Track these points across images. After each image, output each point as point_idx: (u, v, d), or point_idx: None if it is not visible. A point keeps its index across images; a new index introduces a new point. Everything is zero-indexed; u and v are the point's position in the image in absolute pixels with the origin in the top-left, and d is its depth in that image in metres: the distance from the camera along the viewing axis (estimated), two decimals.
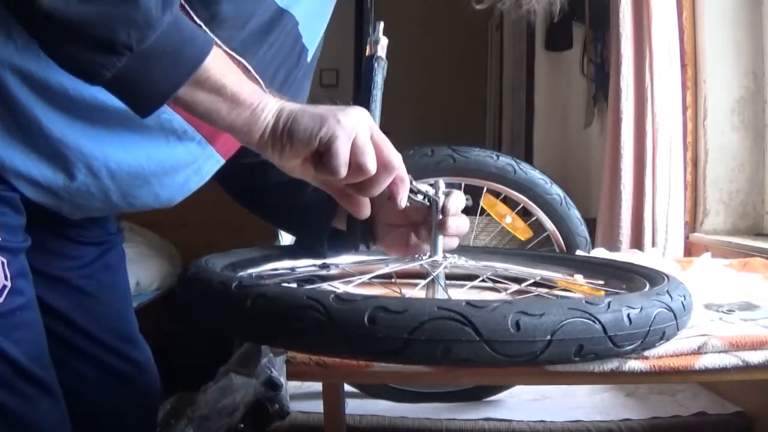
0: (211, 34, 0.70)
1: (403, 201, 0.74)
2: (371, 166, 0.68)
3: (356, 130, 0.68)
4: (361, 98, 0.85)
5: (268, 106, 0.69)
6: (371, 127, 0.70)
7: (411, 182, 0.76)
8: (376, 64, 0.86)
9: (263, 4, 0.78)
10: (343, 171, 0.67)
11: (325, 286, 0.80)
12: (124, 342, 0.99)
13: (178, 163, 0.84)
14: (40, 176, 0.76)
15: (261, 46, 0.81)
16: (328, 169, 0.67)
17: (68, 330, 0.92)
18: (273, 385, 1.46)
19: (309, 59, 0.92)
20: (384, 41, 0.88)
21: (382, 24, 0.89)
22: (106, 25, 0.60)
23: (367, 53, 0.88)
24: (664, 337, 0.64)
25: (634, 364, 0.65)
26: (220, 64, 0.67)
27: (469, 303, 0.55)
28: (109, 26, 0.61)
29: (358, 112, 0.70)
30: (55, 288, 0.90)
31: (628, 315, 0.59)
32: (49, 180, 0.77)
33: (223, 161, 0.89)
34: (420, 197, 0.81)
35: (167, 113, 0.78)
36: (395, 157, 0.71)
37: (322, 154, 0.68)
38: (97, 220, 0.95)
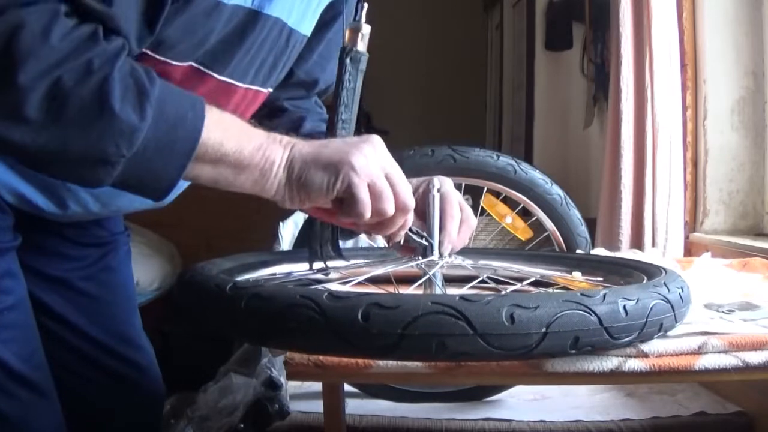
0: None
1: (400, 237, 0.76)
2: (390, 210, 0.69)
3: (372, 175, 0.67)
4: (333, 103, 0.81)
5: (276, 161, 0.67)
6: (385, 167, 0.69)
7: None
8: (348, 60, 0.78)
9: (220, 17, 0.73)
10: (368, 214, 0.68)
11: (322, 287, 0.80)
12: (125, 344, 0.98)
13: None
14: (21, 189, 0.76)
15: (235, 54, 0.78)
16: (352, 215, 0.68)
17: (66, 332, 0.91)
18: (273, 385, 1.46)
19: (306, 33, 0.87)
20: (366, 29, 0.78)
21: (366, 6, 0.79)
22: (90, 145, 0.58)
23: (342, 43, 0.79)
24: (661, 329, 0.64)
25: (633, 364, 0.65)
26: (216, 132, 0.64)
27: (462, 297, 0.55)
28: (94, 144, 0.58)
29: (372, 148, 0.69)
30: (54, 289, 0.90)
31: (624, 306, 0.59)
32: (27, 195, 0.76)
33: None
34: (416, 237, 0.80)
35: None
36: (410, 199, 0.71)
37: (342, 200, 0.68)
38: (98, 220, 0.94)
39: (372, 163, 0.68)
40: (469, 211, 0.83)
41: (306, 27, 0.86)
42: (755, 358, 0.68)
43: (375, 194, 0.68)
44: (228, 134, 0.66)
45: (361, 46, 0.80)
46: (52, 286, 0.90)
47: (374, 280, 0.88)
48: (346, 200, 0.67)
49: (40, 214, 0.80)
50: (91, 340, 0.94)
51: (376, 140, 0.71)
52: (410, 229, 0.77)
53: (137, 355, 1.00)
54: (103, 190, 0.80)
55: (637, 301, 0.60)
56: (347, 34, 0.80)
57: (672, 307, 0.63)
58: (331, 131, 0.81)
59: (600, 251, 1.31)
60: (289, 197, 0.68)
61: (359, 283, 0.85)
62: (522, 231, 1.36)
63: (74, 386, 0.89)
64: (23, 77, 0.55)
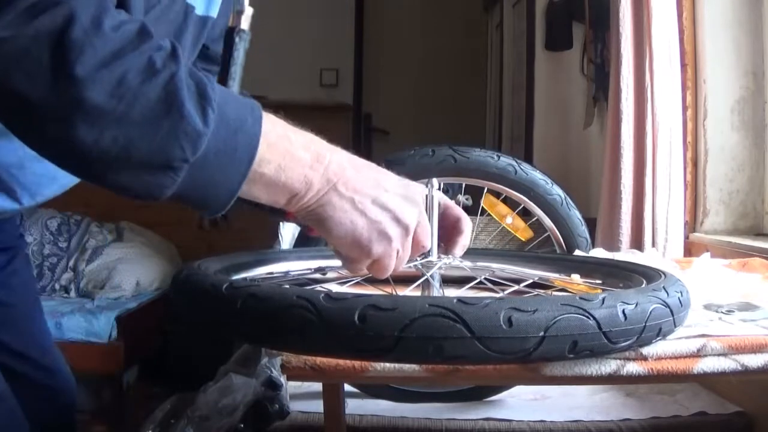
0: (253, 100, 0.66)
1: None
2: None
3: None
4: (220, 75, 0.84)
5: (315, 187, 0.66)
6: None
7: None
8: (237, 38, 0.83)
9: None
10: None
11: (319, 288, 0.80)
12: (38, 350, 0.96)
13: None
14: None
15: None
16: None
17: None
18: (273, 385, 1.45)
19: (214, 16, 0.90)
20: (249, 11, 0.85)
21: None
22: (155, 147, 0.55)
23: (230, 24, 0.85)
24: (660, 333, 0.63)
25: (632, 368, 0.65)
26: (272, 141, 0.63)
27: (460, 300, 0.55)
28: (160, 147, 0.55)
29: (414, 210, 0.71)
30: None
31: (623, 311, 0.59)
32: None
33: None
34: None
35: None
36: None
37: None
38: (2, 226, 0.92)
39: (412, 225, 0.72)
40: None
41: (214, 10, 0.89)
42: (754, 361, 0.68)
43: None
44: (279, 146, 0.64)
45: (246, 26, 0.84)
46: None
47: (372, 280, 0.88)
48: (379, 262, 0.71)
49: None
50: (7, 350, 0.92)
51: (418, 198, 0.74)
52: None
53: (49, 360, 0.98)
54: (32, 179, 0.78)
55: (636, 305, 0.60)
56: (232, 16, 0.84)
57: (671, 311, 0.63)
58: None
59: (599, 251, 1.31)
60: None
61: (357, 283, 0.85)
62: (522, 231, 1.36)
63: None
64: (81, 69, 0.52)
